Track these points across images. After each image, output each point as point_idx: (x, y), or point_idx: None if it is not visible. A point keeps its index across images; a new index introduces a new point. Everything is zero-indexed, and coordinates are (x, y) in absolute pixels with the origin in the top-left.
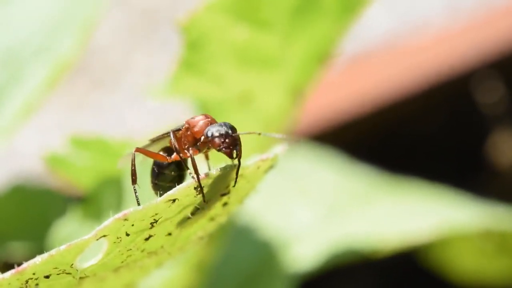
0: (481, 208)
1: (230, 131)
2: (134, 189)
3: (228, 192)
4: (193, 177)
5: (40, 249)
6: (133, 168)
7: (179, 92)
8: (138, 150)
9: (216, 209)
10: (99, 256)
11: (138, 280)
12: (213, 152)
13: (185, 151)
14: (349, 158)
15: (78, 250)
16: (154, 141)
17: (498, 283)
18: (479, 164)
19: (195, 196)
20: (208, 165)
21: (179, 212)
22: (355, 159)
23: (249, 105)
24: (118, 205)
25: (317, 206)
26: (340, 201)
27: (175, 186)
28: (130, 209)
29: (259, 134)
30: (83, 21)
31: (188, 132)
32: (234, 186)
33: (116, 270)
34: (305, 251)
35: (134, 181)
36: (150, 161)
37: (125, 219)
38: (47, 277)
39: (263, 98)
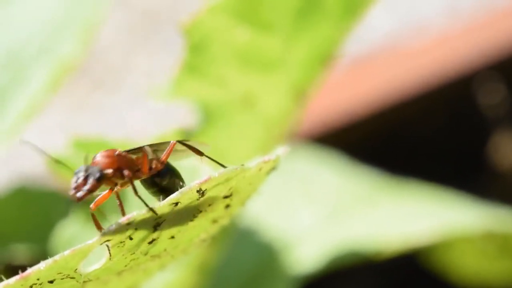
0: (482, 209)
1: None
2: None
3: (231, 195)
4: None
5: (43, 251)
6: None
7: (181, 95)
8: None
9: (219, 211)
10: (103, 260)
11: (141, 282)
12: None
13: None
14: (351, 159)
15: (82, 255)
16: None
17: (499, 285)
18: (480, 166)
19: (197, 199)
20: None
21: (182, 215)
22: (357, 160)
23: (252, 107)
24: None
25: (319, 208)
26: (343, 203)
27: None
28: (133, 213)
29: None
30: (85, 22)
31: None
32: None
33: (120, 273)
34: (308, 253)
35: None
36: None
37: (129, 223)
38: (51, 282)
39: (266, 100)
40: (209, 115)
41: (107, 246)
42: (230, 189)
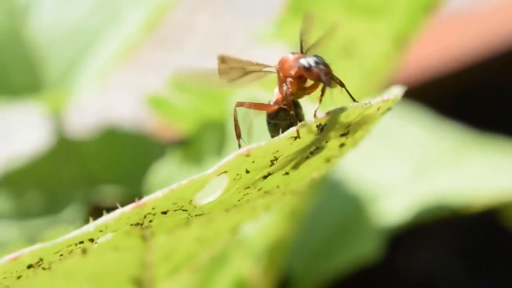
0: None
1: (323, 61)
2: (239, 143)
3: (348, 132)
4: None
5: (132, 193)
6: (235, 123)
7: (285, 37)
8: (239, 104)
9: (333, 149)
10: (218, 192)
11: (244, 223)
12: None
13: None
14: (436, 114)
15: (199, 186)
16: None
17: None
18: None
19: (316, 135)
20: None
21: (299, 150)
22: (441, 115)
23: (354, 53)
24: (219, 150)
25: (406, 162)
26: (429, 157)
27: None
28: (253, 144)
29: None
30: None
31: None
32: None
33: (228, 210)
34: (395, 206)
35: (238, 135)
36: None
37: (247, 155)
38: (164, 213)
39: (368, 46)
40: None
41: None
42: (347, 127)
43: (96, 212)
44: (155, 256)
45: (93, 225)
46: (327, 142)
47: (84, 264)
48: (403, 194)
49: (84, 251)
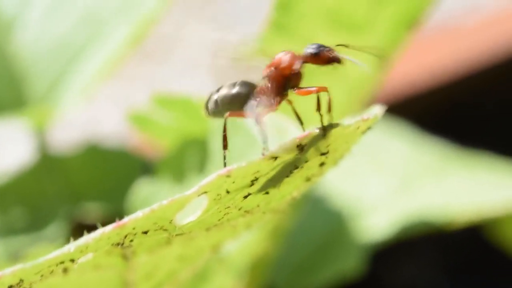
0: None
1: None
2: (224, 155)
3: (327, 152)
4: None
5: (114, 210)
6: (224, 133)
7: (267, 53)
8: (231, 114)
9: (313, 168)
10: (198, 212)
11: (224, 242)
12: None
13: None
14: (419, 130)
15: (179, 206)
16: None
17: None
18: None
19: (296, 155)
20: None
21: (280, 170)
22: (424, 131)
23: (336, 69)
24: (201, 168)
25: (389, 177)
26: (413, 172)
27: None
28: (234, 165)
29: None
30: None
31: (276, 74)
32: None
33: (209, 229)
34: (378, 222)
35: (225, 146)
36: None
37: (228, 176)
38: (145, 232)
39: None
40: None
41: (203, 198)
42: (327, 146)
43: (79, 228)
44: (137, 275)
45: (73, 245)
46: (307, 161)
47: (66, 282)
48: (387, 209)
49: (65, 270)
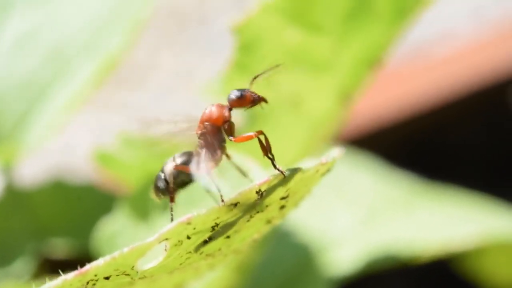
0: None
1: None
2: (171, 208)
3: (287, 196)
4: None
5: (81, 246)
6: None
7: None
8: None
9: (274, 212)
10: (160, 258)
11: (189, 281)
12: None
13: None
14: (386, 163)
15: (140, 253)
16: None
17: None
18: None
19: (256, 200)
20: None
21: (239, 216)
22: (392, 165)
23: (299, 107)
24: (165, 205)
25: (356, 211)
26: (379, 206)
27: None
28: (194, 213)
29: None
30: (131, 20)
31: (210, 128)
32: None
33: (172, 272)
34: (344, 255)
35: (172, 199)
36: None
37: (188, 223)
38: (107, 278)
39: (312, 102)
40: (255, 115)
41: (165, 245)
42: (287, 190)
43: (46, 264)
44: None
45: None
46: (267, 206)
47: None
48: (354, 242)
49: None
